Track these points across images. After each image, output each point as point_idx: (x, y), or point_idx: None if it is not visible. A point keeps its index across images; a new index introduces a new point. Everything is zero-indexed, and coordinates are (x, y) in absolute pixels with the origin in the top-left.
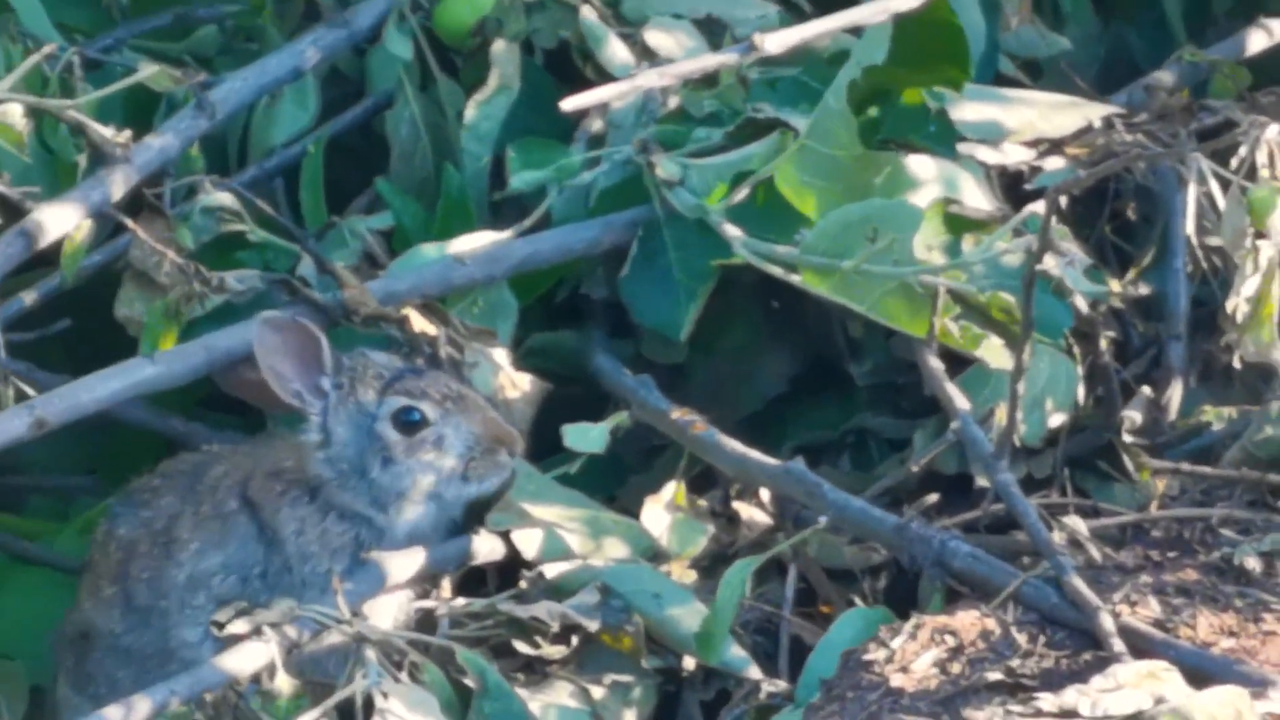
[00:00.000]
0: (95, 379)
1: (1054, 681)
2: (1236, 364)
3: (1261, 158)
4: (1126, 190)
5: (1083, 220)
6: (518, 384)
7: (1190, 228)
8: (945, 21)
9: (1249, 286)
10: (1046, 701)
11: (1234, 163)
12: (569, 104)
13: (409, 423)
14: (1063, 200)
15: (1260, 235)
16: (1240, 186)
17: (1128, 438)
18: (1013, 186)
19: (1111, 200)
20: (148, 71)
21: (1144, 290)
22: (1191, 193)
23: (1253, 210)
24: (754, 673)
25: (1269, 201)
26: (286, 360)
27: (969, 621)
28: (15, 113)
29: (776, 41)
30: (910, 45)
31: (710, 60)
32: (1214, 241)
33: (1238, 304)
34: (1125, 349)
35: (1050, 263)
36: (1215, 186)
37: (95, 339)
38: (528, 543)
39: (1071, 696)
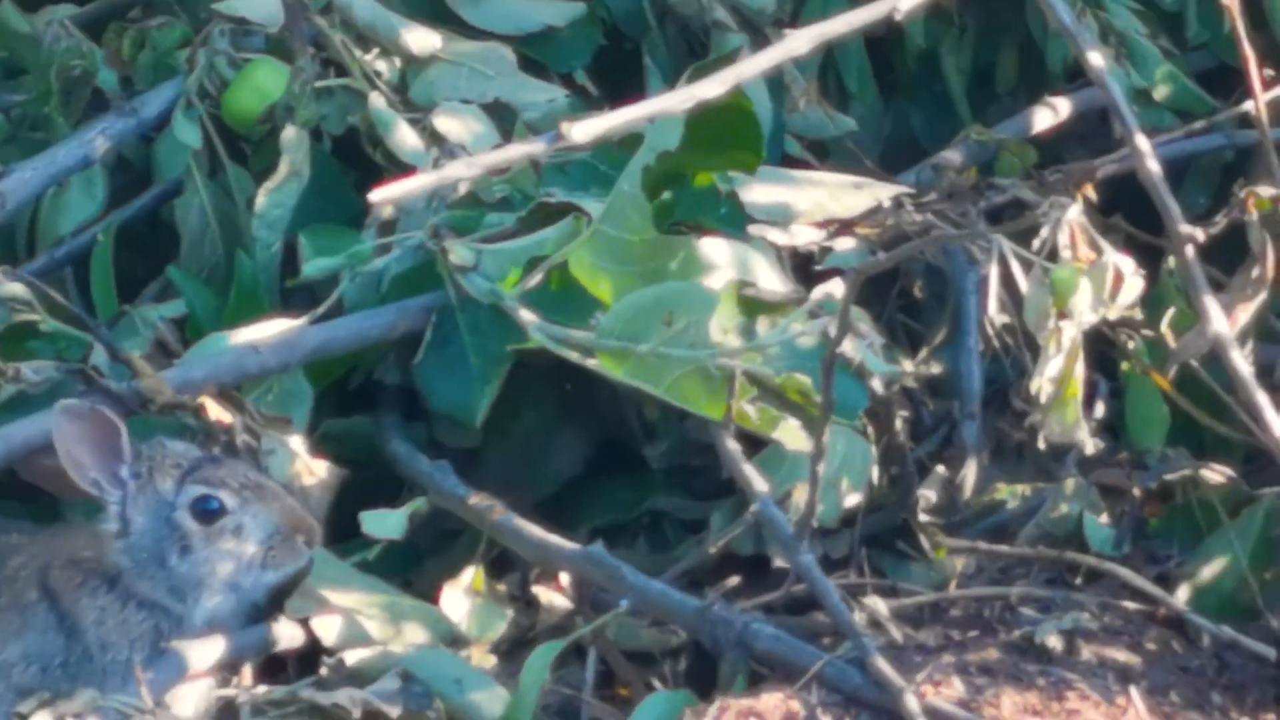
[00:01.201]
0: None
1: None
2: (1040, 444)
3: (1063, 238)
4: (914, 269)
5: (872, 299)
6: (314, 471)
7: (992, 307)
8: (739, 108)
9: (1052, 367)
10: None
11: (1035, 243)
12: (378, 195)
13: (207, 511)
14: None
15: (1063, 316)
16: (1042, 267)
17: (923, 516)
18: (803, 267)
19: (900, 278)
20: None
21: (936, 369)
22: (993, 273)
23: (1056, 291)
24: None
25: (1071, 282)
26: (85, 449)
27: (773, 703)
28: None
29: (584, 130)
30: (705, 130)
31: (518, 150)
32: (1004, 320)
33: (1041, 384)
34: (917, 428)
35: (848, 345)
36: (1014, 266)
37: None
38: (327, 629)
39: None
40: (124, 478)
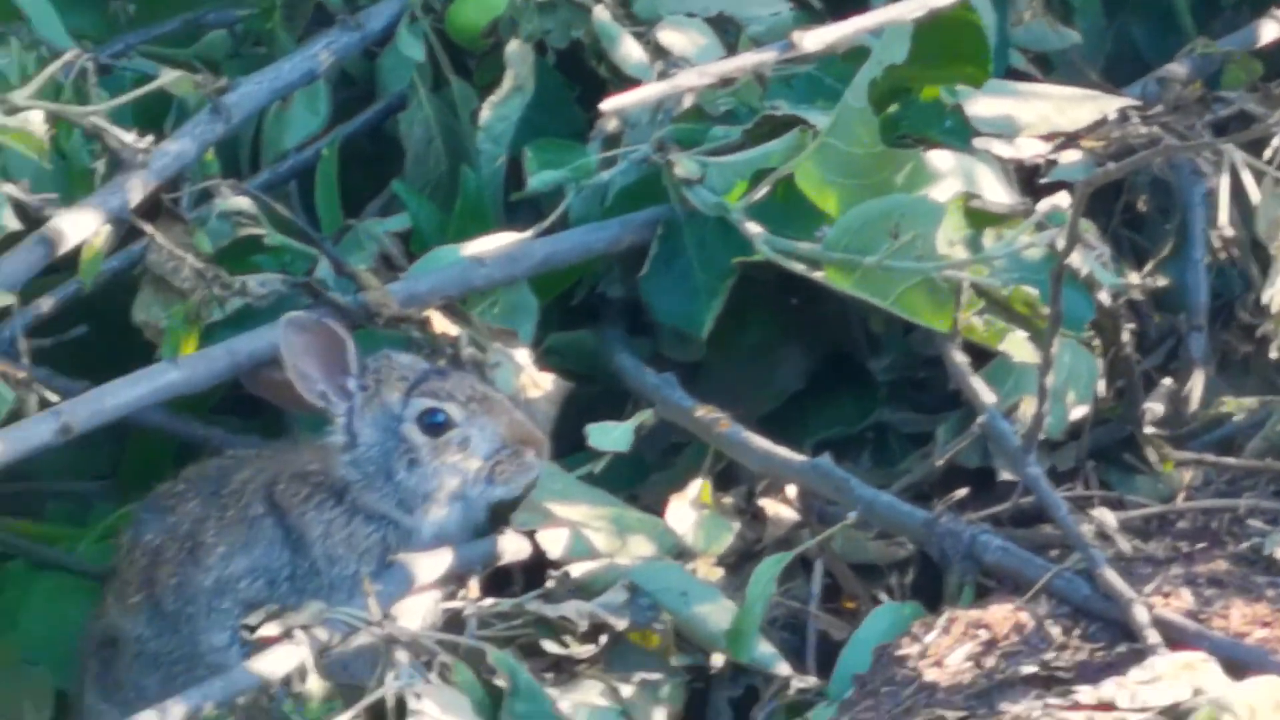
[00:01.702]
0: (119, 384)
1: (1089, 674)
2: (1272, 353)
3: None
4: (1139, 182)
5: (1097, 212)
6: (540, 384)
7: (1222, 218)
8: (965, 20)
9: None
10: (1084, 694)
11: (1267, 154)
12: (609, 105)
13: (434, 424)
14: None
15: None
16: (1274, 178)
17: (1150, 429)
18: (1028, 180)
19: (1125, 192)
20: (170, 77)
21: (1161, 282)
22: (1223, 184)
23: None
24: (783, 669)
25: None
26: (312, 361)
27: (1002, 615)
28: (36, 120)
29: (815, 39)
30: (930, 44)
31: (748, 59)
32: (1231, 233)
33: (1273, 295)
34: (1143, 340)
35: (1075, 257)
36: (1245, 176)
37: (112, 344)
38: (553, 542)
39: (1109, 689)
40: (350, 390)
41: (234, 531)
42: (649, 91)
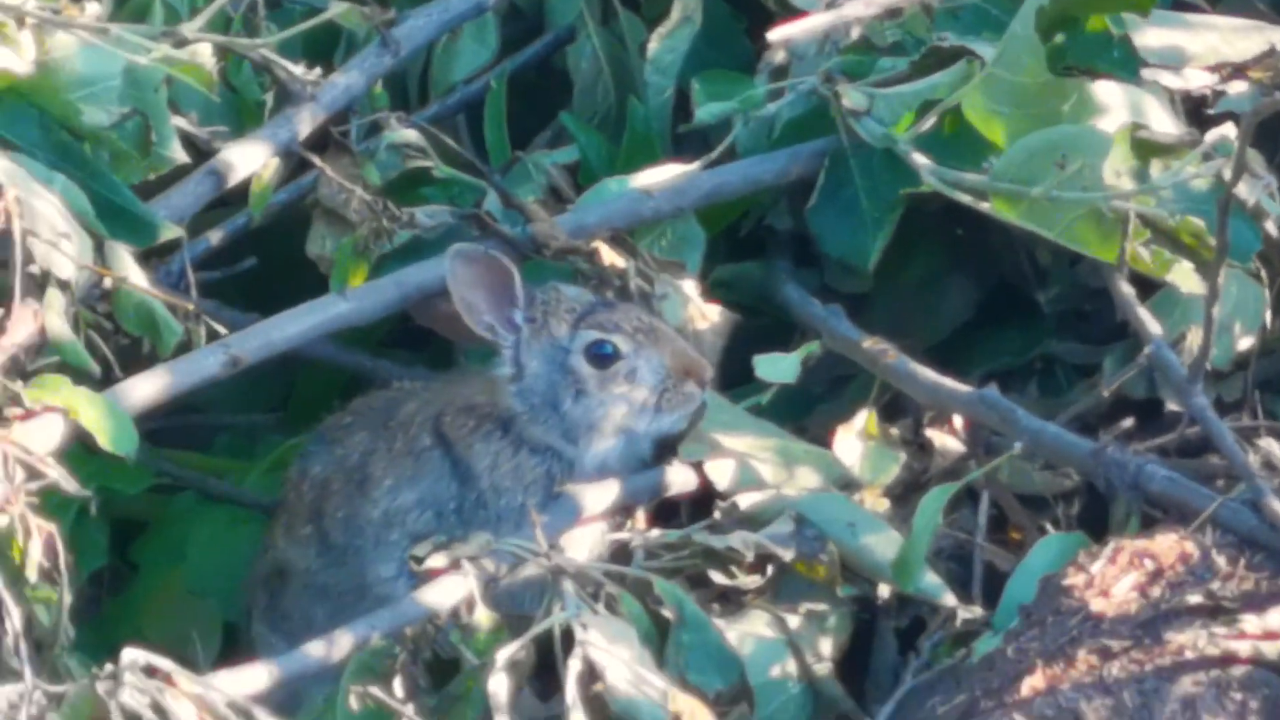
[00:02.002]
0: (288, 317)
1: (1255, 603)
2: None
3: None
4: None
5: (1263, 143)
6: (707, 315)
7: None
8: None
9: None
10: (1250, 623)
11: None
12: (776, 34)
13: (602, 356)
14: None
15: None
16: None
17: None
18: (1195, 111)
19: None
20: (338, 9)
21: None
22: None
23: None
24: (950, 599)
25: None
26: (479, 292)
27: (1168, 545)
28: (205, 53)
29: None
30: None
31: None
32: None
33: None
34: None
35: (1242, 187)
36: None
37: (281, 277)
38: (721, 473)
39: (1276, 618)
40: (518, 322)
41: (402, 464)
42: (816, 22)
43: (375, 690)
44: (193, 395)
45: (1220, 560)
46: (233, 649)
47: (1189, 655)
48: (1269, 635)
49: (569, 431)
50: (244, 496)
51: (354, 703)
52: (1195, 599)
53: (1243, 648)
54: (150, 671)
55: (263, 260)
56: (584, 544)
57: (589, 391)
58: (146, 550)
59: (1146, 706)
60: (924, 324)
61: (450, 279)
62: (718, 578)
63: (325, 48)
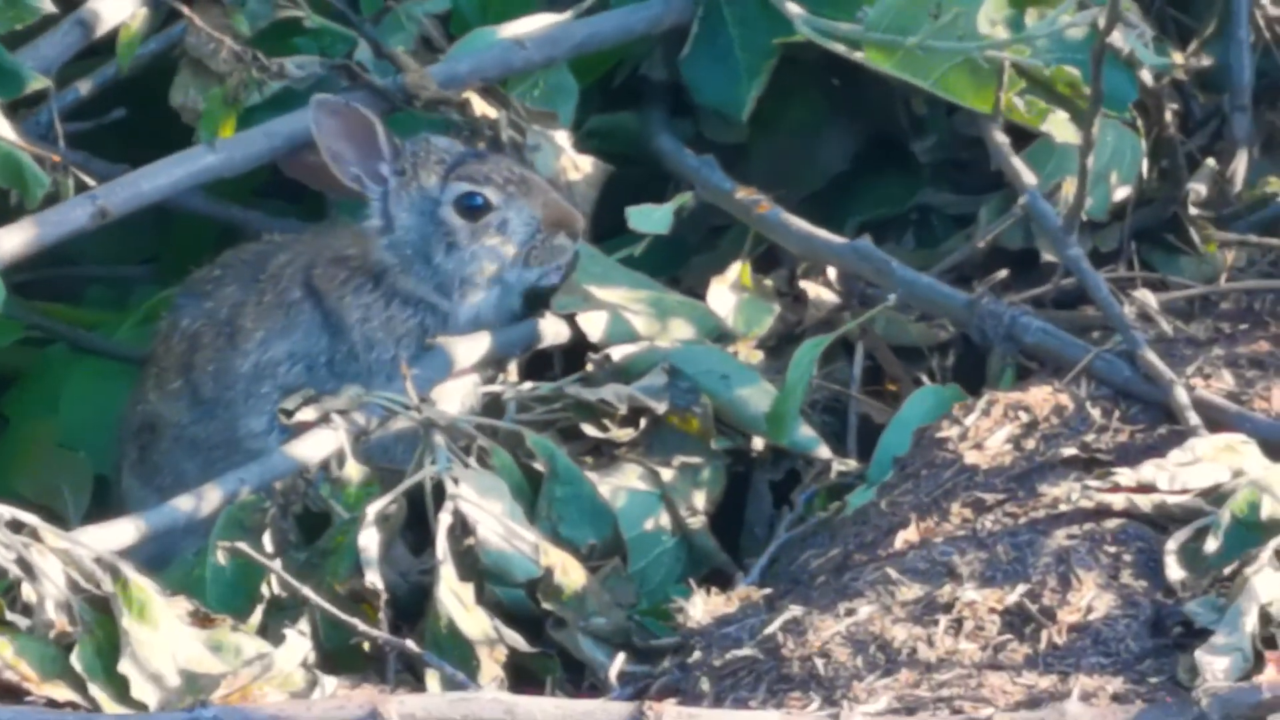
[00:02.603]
0: (156, 168)
1: (1130, 456)
2: None
3: None
4: None
5: None
6: (580, 166)
7: None
8: None
9: None
10: (1124, 476)
11: None
12: None
13: (472, 208)
14: None
15: None
16: None
17: (1193, 210)
18: None
19: None
20: None
21: (1205, 62)
22: None
23: None
24: (824, 452)
25: None
26: (345, 144)
27: (1042, 397)
28: None
29: None
30: None
31: None
32: (1277, 12)
33: None
34: (1187, 121)
35: (1117, 36)
36: None
37: (151, 128)
38: (593, 325)
39: (1149, 471)
40: (385, 174)
41: (272, 316)
42: None
43: (243, 545)
44: (64, 247)
45: (1095, 412)
46: (104, 503)
47: (1063, 508)
48: (1142, 488)
49: (441, 284)
50: (116, 349)
51: (221, 558)
52: (1069, 451)
53: (1116, 500)
54: (17, 527)
55: (134, 111)
56: (456, 396)
57: (460, 244)
58: (17, 403)
59: (1020, 559)
60: (801, 174)
61: (315, 130)
62: (590, 431)
63: None
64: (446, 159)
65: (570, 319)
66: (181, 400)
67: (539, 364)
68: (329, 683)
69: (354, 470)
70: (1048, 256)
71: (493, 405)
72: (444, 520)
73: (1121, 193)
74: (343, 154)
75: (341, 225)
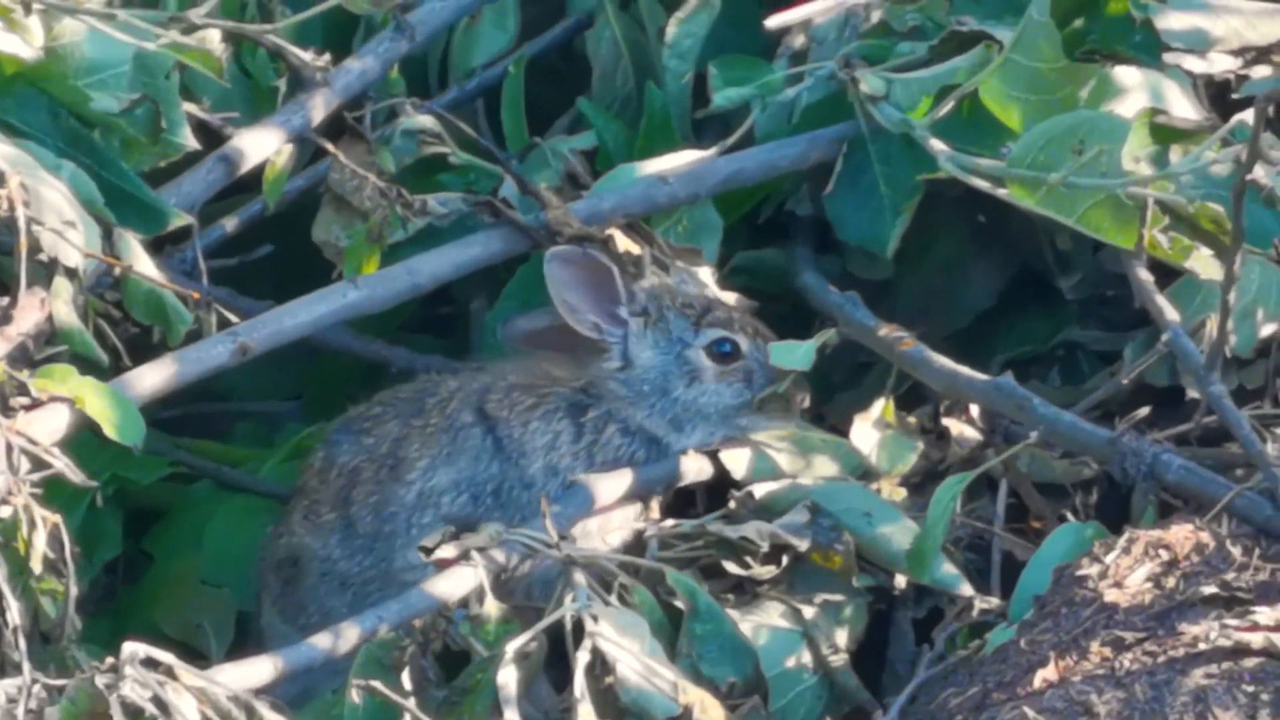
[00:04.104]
0: (298, 305)
1: (1270, 594)
2: None
3: None
4: None
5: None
6: (724, 303)
7: None
8: None
9: None
10: (1263, 615)
11: None
12: (774, 21)
13: (723, 354)
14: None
15: None
16: None
17: None
18: (1219, 96)
19: None
20: None
21: None
22: None
23: None
24: (966, 590)
25: None
26: (580, 293)
27: (1183, 535)
28: (214, 38)
29: None
30: None
31: None
32: None
33: None
34: None
35: (1260, 172)
36: None
37: (297, 265)
38: (736, 462)
39: None
40: (624, 316)
41: (438, 442)
42: (812, 8)
43: (378, 684)
44: (212, 384)
45: (1235, 551)
46: (246, 640)
47: (1202, 647)
48: None
49: (677, 418)
50: (260, 485)
51: (355, 696)
52: (1209, 590)
53: (1255, 639)
54: (152, 664)
55: (280, 248)
56: (598, 534)
57: (703, 380)
58: (162, 540)
59: (1158, 699)
60: (946, 311)
61: (549, 282)
62: (732, 568)
63: (345, 33)
64: (695, 305)
65: (713, 455)
66: (334, 535)
67: (681, 501)
68: None
69: (493, 607)
70: (1192, 394)
71: (635, 542)
72: (582, 658)
73: (1268, 329)
74: (578, 303)
75: (516, 358)
